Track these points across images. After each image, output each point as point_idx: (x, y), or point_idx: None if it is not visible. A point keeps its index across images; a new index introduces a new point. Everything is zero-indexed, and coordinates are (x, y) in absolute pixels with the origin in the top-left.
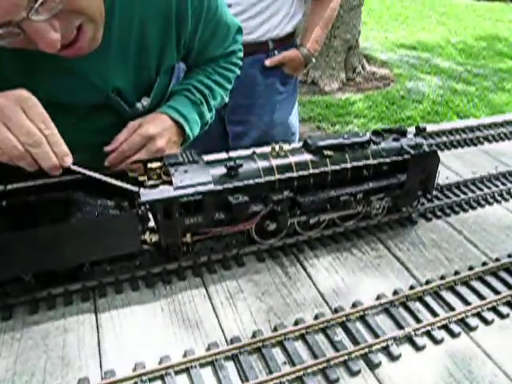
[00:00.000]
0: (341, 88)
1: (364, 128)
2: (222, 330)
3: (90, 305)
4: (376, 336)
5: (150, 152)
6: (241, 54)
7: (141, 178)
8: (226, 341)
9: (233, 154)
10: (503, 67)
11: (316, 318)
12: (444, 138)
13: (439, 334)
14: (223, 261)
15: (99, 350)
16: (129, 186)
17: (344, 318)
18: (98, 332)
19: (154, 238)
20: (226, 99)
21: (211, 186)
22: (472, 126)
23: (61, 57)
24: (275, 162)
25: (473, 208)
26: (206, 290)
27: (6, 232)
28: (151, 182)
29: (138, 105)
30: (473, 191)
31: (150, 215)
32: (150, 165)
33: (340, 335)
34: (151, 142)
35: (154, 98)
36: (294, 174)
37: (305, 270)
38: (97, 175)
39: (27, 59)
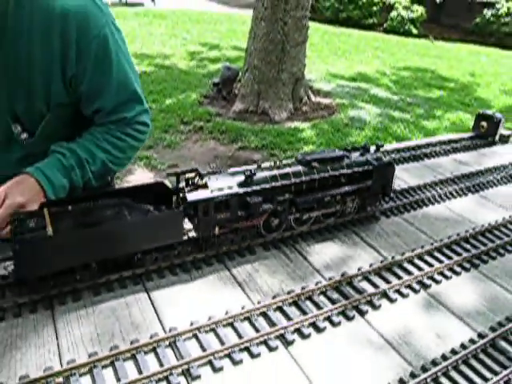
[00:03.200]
0: (289, 117)
1: None
2: (248, 297)
3: (141, 287)
4: (361, 293)
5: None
6: (139, 127)
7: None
8: (253, 303)
9: (242, 168)
10: (432, 96)
11: (316, 284)
12: (393, 155)
13: (405, 291)
14: (239, 250)
15: (158, 317)
16: None
17: (337, 284)
18: (153, 305)
19: (190, 233)
20: (115, 167)
21: (236, 189)
22: (415, 146)
23: None
24: (278, 172)
25: (420, 207)
26: (230, 272)
27: (74, 229)
28: (188, 188)
29: (22, 136)
30: (419, 194)
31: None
32: (187, 175)
33: (335, 295)
34: (7, 210)
35: (42, 133)
36: (292, 181)
37: (301, 254)
38: None
39: None
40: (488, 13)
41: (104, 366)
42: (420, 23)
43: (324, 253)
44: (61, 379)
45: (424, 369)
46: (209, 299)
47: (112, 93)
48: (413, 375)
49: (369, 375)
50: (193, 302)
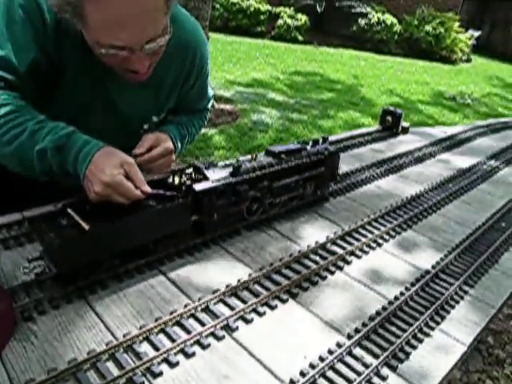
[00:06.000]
0: None
1: (224, 158)
2: (250, 267)
3: (157, 271)
4: (335, 254)
5: (168, 162)
6: (209, 113)
7: (176, 182)
8: (255, 271)
9: (228, 162)
10: (324, 98)
11: (299, 252)
12: None
13: (373, 244)
14: (229, 233)
15: (182, 291)
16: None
17: (315, 250)
18: (174, 283)
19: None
20: (195, 139)
21: (230, 179)
22: (338, 139)
23: (112, 96)
24: (256, 164)
25: (356, 187)
26: (226, 250)
27: (105, 223)
28: (189, 182)
29: (145, 126)
30: (353, 178)
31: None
32: (187, 171)
33: (317, 257)
34: (169, 155)
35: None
36: (268, 170)
37: (278, 232)
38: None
39: (85, 100)
40: (362, 22)
41: (157, 333)
42: (305, 30)
43: (296, 229)
44: None
45: (396, 298)
46: (218, 273)
47: (208, 95)
48: (385, 307)
49: (360, 306)
50: (206, 276)
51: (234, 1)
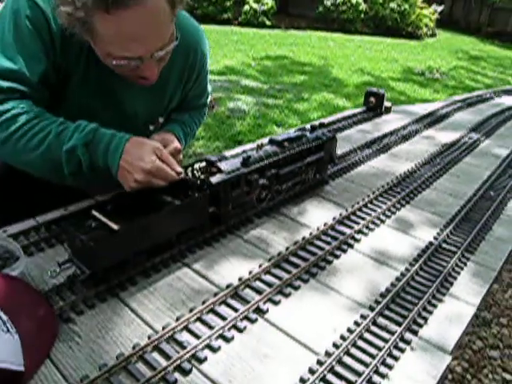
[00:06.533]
0: None
1: (204, 148)
2: (268, 252)
3: (180, 264)
4: (344, 234)
5: (177, 161)
6: (207, 109)
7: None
8: (273, 257)
9: (236, 151)
10: (297, 81)
11: (310, 234)
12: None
13: (378, 221)
14: (241, 222)
15: (209, 280)
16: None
17: (325, 231)
18: (199, 274)
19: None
20: (195, 135)
21: (242, 170)
22: (326, 123)
23: (118, 99)
24: (263, 153)
25: (352, 169)
26: (242, 238)
27: (132, 222)
28: (203, 176)
29: (151, 127)
30: (348, 160)
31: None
32: (199, 164)
33: (328, 238)
34: (178, 155)
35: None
36: (275, 158)
37: (287, 216)
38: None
39: (92, 104)
40: (328, 2)
41: (194, 322)
42: (271, 15)
43: (303, 212)
44: None
45: (406, 269)
46: (239, 260)
47: (207, 91)
48: (398, 279)
49: (375, 279)
50: (228, 265)
51: None
